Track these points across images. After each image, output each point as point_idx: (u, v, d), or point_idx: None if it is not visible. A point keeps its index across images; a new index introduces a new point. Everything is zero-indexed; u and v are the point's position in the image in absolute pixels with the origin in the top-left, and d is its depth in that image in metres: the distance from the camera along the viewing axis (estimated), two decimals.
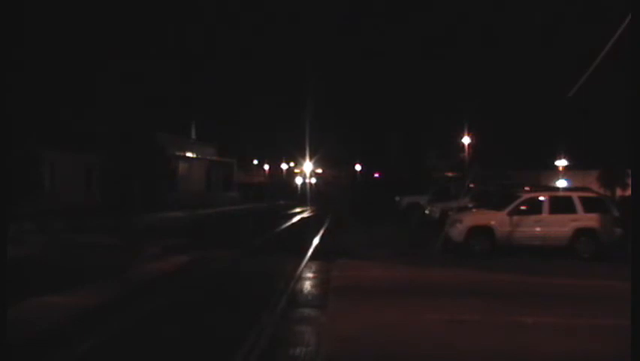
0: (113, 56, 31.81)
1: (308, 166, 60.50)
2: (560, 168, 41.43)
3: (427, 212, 24.83)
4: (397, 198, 31.74)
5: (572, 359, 7.11)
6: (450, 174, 39.51)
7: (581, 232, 15.58)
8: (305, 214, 34.55)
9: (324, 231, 22.41)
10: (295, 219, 30.62)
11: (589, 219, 15.68)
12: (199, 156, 45.69)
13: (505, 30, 42.28)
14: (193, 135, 47.99)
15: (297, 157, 67.15)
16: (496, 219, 15.91)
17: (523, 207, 15.99)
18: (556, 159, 41.95)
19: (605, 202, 16.74)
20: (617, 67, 11.99)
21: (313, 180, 66.18)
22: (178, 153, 40.86)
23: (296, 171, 69.57)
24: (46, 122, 27.90)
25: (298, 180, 67.26)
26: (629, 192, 25.31)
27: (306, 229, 24.01)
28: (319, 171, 71.14)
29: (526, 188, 18.37)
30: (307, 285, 11.66)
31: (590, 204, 15.94)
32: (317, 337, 7.73)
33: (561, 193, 17.51)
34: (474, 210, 18.23)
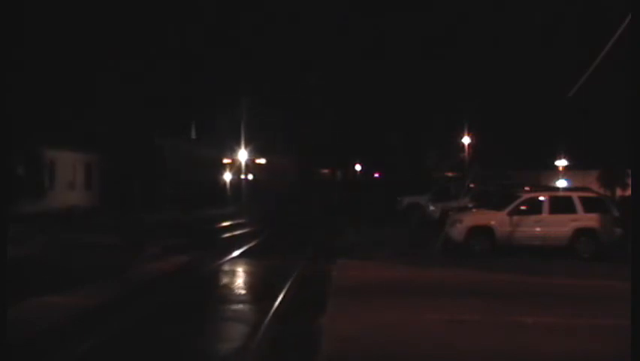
0: (113, 56, 31.81)
1: (243, 155, 40.64)
2: (560, 168, 41.42)
3: (427, 212, 24.86)
4: (399, 199, 31.69)
5: (572, 359, 7.11)
6: (450, 174, 39.51)
7: (581, 232, 15.58)
8: None
9: None
10: None
11: (589, 219, 15.68)
12: None
13: (505, 30, 42.25)
14: (193, 135, 47.97)
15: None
16: (496, 219, 15.91)
17: (523, 207, 15.99)
18: (556, 159, 41.96)
19: (605, 202, 16.76)
20: (617, 67, 12.00)
21: (250, 176, 44.41)
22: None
23: (225, 161, 43.94)
24: (46, 122, 27.92)
25: (227, 177, 43.11)
26: (629, 192, 25.31)
27: None
28: (262, 161, 46.79)
29: (526, 188, 18.38)
30: (307, 285, 11.66)
31: (590, 204, 15.94)
32: (317, 337, 7.73)
33: (561, 193, 17.53)
34: (474, 210, 18.23)
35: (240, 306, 10.05)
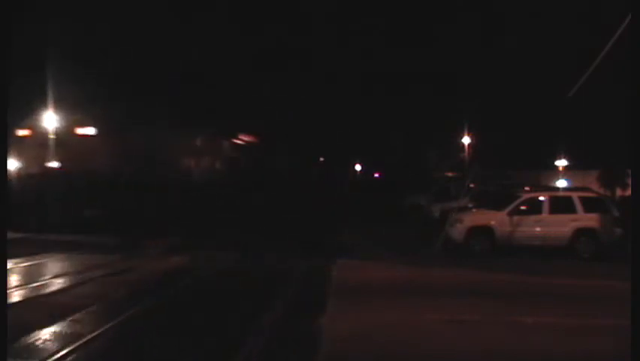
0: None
1: (50, 121, 20.79)
2: (560, 168, 41.37)
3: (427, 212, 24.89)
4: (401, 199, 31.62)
5: (572, 359, 7.11)
6: (450, 174, 39.49)
7: (581, 232, 15.60)
8: None
9: None
10: None
11: (589, 219, 15.70)
12: None
13: (505, 30, 42.30)
14: None
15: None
16: (496, 219, 15.91)
17: (523, 207, 15.99)
18: (556, 159, 41.92)
19: (605, 202, 16.77)
20: (617, 67, 11.99)
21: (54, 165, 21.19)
22: None
23: (20, 133, 21.20)
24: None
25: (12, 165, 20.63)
26: (629, 192, 25.30)
27: None
28: (89, 131, 21.69)
29: (526, 188, 18.39)
30: (307, 285, 11.66)
31: (590, 204, 15.96)
32: (317, 337, 7.73)
33: (561, 193, 17.55)
34: (474, 210, 18.23)
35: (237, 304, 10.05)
